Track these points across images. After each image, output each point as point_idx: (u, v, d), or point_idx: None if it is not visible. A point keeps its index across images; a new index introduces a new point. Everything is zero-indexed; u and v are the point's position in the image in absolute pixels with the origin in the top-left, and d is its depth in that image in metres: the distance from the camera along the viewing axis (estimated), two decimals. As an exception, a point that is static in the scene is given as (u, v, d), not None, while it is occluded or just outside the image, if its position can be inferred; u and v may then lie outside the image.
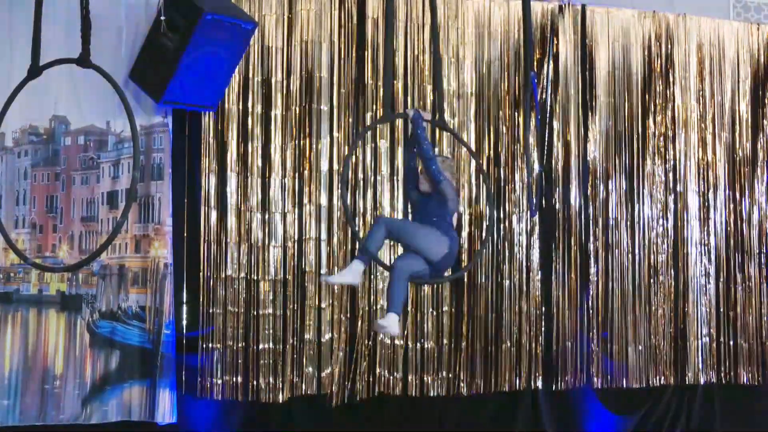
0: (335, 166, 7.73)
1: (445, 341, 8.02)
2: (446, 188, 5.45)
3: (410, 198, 5.82)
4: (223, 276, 7.39)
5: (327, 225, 7.67)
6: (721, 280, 8.96)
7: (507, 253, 8.27)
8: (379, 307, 7.81)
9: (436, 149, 7.87)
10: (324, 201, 7.67)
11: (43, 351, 6.86)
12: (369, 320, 7.79)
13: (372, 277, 7.74)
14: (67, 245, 6.99)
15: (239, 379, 7.37)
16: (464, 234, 8.13)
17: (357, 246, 6.12)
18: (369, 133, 7.78)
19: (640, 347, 8.65)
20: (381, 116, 5.56)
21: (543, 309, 8.38)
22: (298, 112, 7.66)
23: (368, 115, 7.81)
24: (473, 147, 8.19)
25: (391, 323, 5.29)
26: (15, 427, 6.68)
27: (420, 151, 5.43)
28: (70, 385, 6.88)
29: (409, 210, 6.07)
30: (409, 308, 7.94)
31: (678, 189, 8.86)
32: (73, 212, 7.01)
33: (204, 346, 7.29)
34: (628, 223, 8.68)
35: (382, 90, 7.83)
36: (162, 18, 6.46)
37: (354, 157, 7.74)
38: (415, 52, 8.02)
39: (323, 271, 7.59)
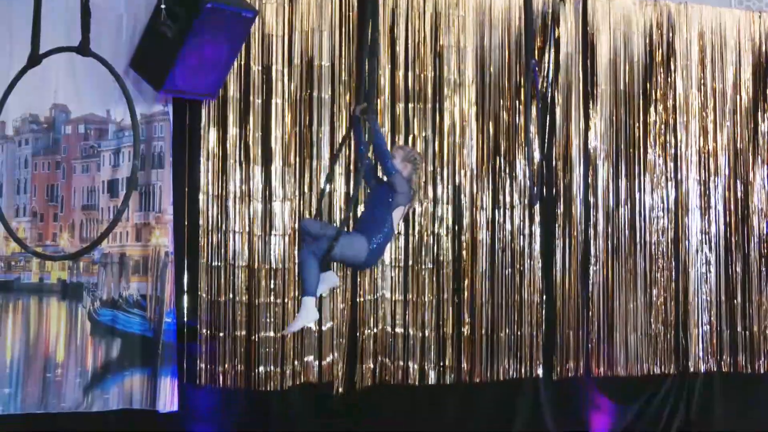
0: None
1: (446, 329, 8.03)
2: (396, 180, 5.43)
3: (368, 184, 5.86)
4: (224, 264, 7.39)
5: (328, 213, 7.66)
6: (722, 268, 8.97)
7: (508, 242, 8.27)
8: (380, 295, 7.81)
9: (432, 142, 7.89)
10: (325, 189, 7.66)
11: (45, 339, 6.87)
12: (370, 309, 7.80)
13: (375, 265, 7.73)
14: (68, 234, 6.99)
15: (240, 367, 7.38)
16: (465, 222, 8.14)
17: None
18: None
19: (641, 335, 8.67)
20: (350, 121, 5.58)
21: (544, 297, 8.39)
22: (298, 100, 7.65)
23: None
24: (474, 136, 8.19)
25: (308, 310, 5.34)
26: (16, 415, 6.70)
27: (375, 143, 5.41)
28: (72, 373, 6.89)
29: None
30: (409, 296, 7.94)
31: (679, 177, 8.86)
32: (73, 201, 7.01)
33: (205, 334, 7.29)
34: (629, 211, 8.68)
35: (382, 78, 7.83)
36: (162, 6, 6.44)
37: (347, 146, 7.71)
38: (416, 39, 8.01)
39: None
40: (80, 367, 6.92)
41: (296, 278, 7.54)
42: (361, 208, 6.72)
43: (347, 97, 7.76)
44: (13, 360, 6.73)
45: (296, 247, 7.57)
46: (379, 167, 5.71)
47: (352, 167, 7.72)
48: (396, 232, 5.82)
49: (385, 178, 5.61)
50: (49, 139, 6.99)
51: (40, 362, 6.83)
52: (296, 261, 7.54)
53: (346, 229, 5.62)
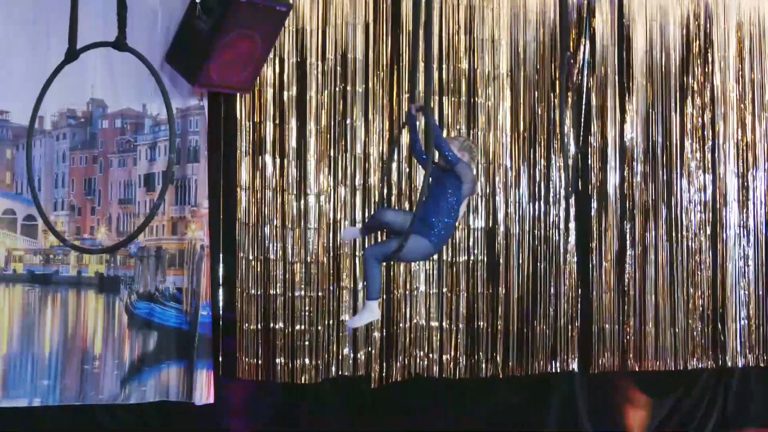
0: (370, 148, 7.72)
1: (480, 323, 8.02)
2: (463, 170, 5.38)
3: (431, 175, 5.76)
4: (260, 258, 7.41)
5: (362, 206, 7.67)
6: (760, 262, 8.88)
7: (543, 235, 8.24)
8: (413, 287, 7.80)
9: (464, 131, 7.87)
10: (359, 182, 7.67)
11: (83, 332, 6.93)
12: (405, 302, 7.79)
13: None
14: (105, 227, 7.05)
15: (276, 360, 7.40)
16: (500, 215, 8.11)
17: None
18: (403, 112, 7.78)
19: (678, 330, 8.60)
20: (406, 117, 5.55)
21: (579, 291, 8.35)
22: (333, 93, 7.65)
23: (404, 97, 7.79)
24: (509, 129, 8.16)
25: (372, 312, 5.43)
26: (55, 406, 6.77)
27: (435, 141, 5.39)
28: (109, 365, 6.95)
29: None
30: (444, 290, 7.93)
31: (717, 170, 8.77)
32: (110, 194, 7.07)
33: (241, 327, 7.32)
34: (666, 204, 8.61)
35: (416, 73, 7.81)
36: (196, 1, 6.47)
37: (387, 137, 7.75)
38: (450, 32, 7.99)
39: (358, 252, 7.61)
40: (118, 359, 6.98)
41: (331, 271, 7.57)
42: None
43: (381, 91, 7.76)
44: (51, 352, 6.80)
45: (330, 241, 7.59)
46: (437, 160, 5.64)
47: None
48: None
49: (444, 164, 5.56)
50: (86, 133, 7.05)
51: (78, 354, 6.89)
52: (330, 254, 7.58)
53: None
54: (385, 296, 7.75)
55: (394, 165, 7.78)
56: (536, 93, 8.28)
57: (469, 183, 5.42)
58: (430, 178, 5.49)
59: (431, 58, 5.50)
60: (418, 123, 5.50)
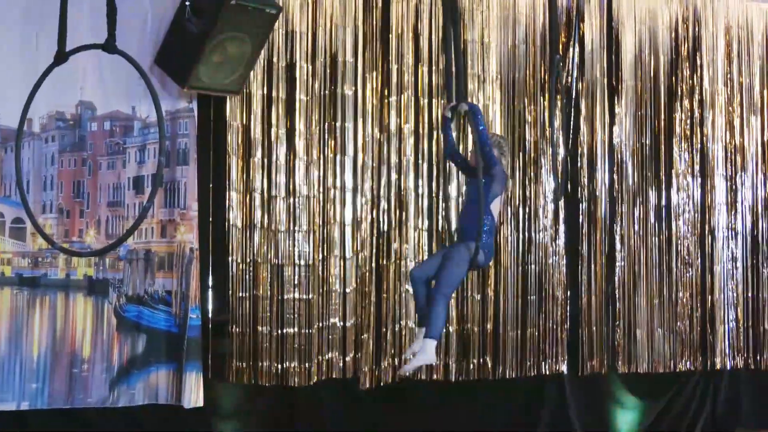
0: (360, 151, 7.71)
1: (470, 325, 8.02)
2: (497, 172, 5.53)
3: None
4: (249, 261, 7.40)
5: (352, 209, 7.66)
6: (748, 264, 8.91)
7: (533, 238, 8.25)
8: (403, 290, 7.78)
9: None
10: (349, 185, 7.66)
11: (71, 335, 6.91)
12: (395, 305, 7.78)
13: (400, 261, 7.73)
14: (94, 230, 7.02)
15: (266, 363, 7.38)
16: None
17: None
18: (393, 115, 7.79)
19: (667, 332, 8.63)
20: (444, 115, 5.55)
21: (569, 293, 8.36)
22: (322, 96, 7.64)
23: (392, 99, 7.80)
24: (498, 132, 8.16)
25: (427, 354, 5.37)
26: (43, 410, 6.74)
27: (480, 138, 5.43)
28: (98, 368, 6.93)
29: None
30: (434, 293, 7.92)
31: (705, 173, 8.81)
32: (99, 197, 7.04)
33: (230, 330, 7.30)
34: (655, 207, 8.64)
35: (406, 74, 7.83)
36: (186, 2, 6.46)
37: (377, 140, 7.75)
38: (440, 36, 7.98)
39: (348, 255, 7.60)
40: (106, 362, 6.96)
41: (320, 274, 7.55)
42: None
43: (371, 94, 7.76)
44: (40, 355, 6.78)
45: (320, 244, 7.57)
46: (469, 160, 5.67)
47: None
48: (498, 221, 5.86)
49: (473, 164, 5.65)
50: (75, 135, 7.02)
51: (66, 358, 6.86)
52: (320, 257, 7.56)
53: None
54: (375, 298, 7.74)
55: (384, 167, 7.79)
56: (525, 96, 8.29)
57: (499, 184, 5.55)
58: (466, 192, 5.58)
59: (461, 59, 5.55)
60: (452, 124, 5.52)
